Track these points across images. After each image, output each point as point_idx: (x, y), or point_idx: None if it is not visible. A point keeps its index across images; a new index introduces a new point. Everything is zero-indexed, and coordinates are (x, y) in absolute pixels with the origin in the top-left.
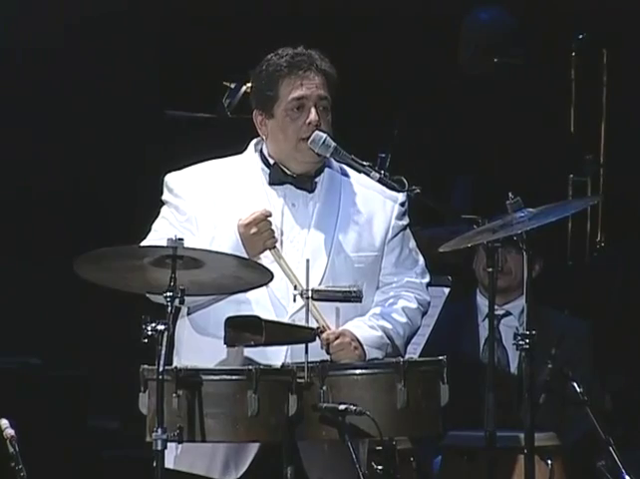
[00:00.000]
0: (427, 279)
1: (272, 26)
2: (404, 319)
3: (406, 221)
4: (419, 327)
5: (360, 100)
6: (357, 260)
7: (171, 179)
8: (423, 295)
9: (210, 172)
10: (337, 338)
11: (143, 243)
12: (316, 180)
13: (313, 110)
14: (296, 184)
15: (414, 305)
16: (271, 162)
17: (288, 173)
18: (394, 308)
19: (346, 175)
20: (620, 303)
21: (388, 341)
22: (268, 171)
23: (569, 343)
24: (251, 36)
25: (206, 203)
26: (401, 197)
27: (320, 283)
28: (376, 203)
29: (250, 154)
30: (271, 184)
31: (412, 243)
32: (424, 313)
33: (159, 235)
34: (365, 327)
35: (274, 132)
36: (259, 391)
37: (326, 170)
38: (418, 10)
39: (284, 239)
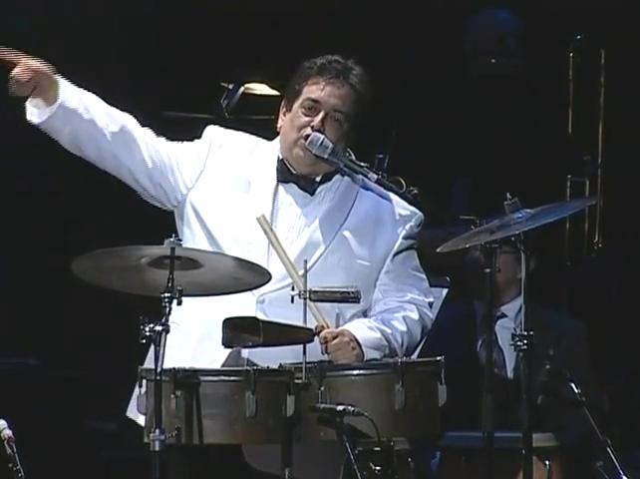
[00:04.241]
0: (430, 300)
1: (272, 27)
2: (403, 328)
3: (413, 242)
4: (419, 342)
5: None
6: (349, 265)
7: (213, 133)
8: (425, 311)
9: (245, 148)
10: (335, 338)
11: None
12: (322, 186)
13: (321, 115)
14: (299, 184)
15: (415, 316)
16: (280, 157)
17: (293, 172)
18: (394, 316)
19: (368, 189)
20: (618, 304)
21: (386, 343)
22: (277, 166)
23: (567, 344)
24: (250, 37)
25: (220, 174)
26: (415, 219)
27: (306, 272)
28: (388, 218)
29: (276, 144)
30: (279, 180)
31: (415, 264)
32: (424, 328)
33: (160, 139)
34: (364, 328)
35: (286, 125)
36: (257, 392)
37: (346, 178)
38: (418, 10)
39: (279, 236)
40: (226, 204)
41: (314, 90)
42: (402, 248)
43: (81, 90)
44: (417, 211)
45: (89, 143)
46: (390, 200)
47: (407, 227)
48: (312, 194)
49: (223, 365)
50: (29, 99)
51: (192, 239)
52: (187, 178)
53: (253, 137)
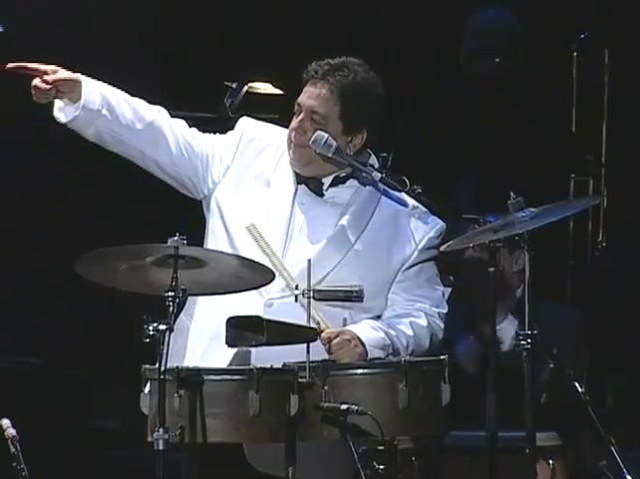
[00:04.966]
0: (442, 310)
1: (276, 26)
2: (410, 332)
3: (431, 253)
4: (427, 349)
5: None
6: (363, 275)
7: (245, 126)
8: (435, 320)
9: (273, 144)
10: (337, 337)
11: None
12: (333, 189)
13: (300, 116)
14: (308, 185)
15: (423, 323)
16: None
17: (298, 173)
18: (401, 321)
19: (388, 196)
20: (621, 303)
21: (389, 343)
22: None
23: (561, 331)
24: (252, 36)
25: (245, 171)
26: (435, 230)
27: (319, 283)
28: (407, 229)
29: None
30: (296, 181)
31: (430, 275)
32: (433, 335)
33: (192, 130)
34: (367, 328)
35: None
36: (261, 391)
37: (368, 187)
38: (419, 10)
39: (290, 237)
40: (247, 204)
41: (301, 94)
42: (417, 261)
43: (106, 87)
44: (438, 221)
45: (113, 140)
46: (411, 209)
47: (425, 239)
48: (321, 195)
49: (229, 365)
50: (55, 99)
51: (213, 234)
52: (216, 172)
53: (285, 131)
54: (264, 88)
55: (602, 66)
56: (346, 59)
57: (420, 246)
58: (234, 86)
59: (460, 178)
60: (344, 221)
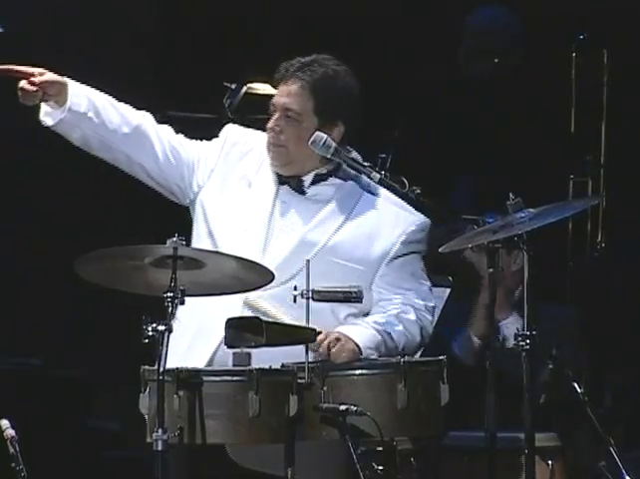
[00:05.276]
0: (429, 303)
1: (274, 26)
2: (400, 328)
3: (415, 247)
4: (418, 344)
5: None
6: (341, 268)
7: (229, 132)
8: (424, 314)
9: (257, 148)
10: (326, 338)
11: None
12: (315, 187)
13: (275, 116)
14: (290, 184)
15: (412, 317)
16: None
17: (280, 174)
18: (389, 316)
19: (374, 194)
20: (621, 303)
21: (380, 338)
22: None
23: (561, 331)
24: (251, 37)
25: (228, 174)
26: (418, 224)
27: (294, 277)
28: (389, 224)
29: None
30: (278, 181)
31: (415, 269)
32: (422, 329)
33: (178, 136)
34: (356, 327)
35: None
36: (260, 392)
37: (350, 183)
38: (419, 10)
39: (271, 235)
40: (229, 204)
41: (276, 94)
42: (400, 254)
43: (92, 91)
44: (421, 216)
45: (99, 144)
46: (395, 205)
47: (407, 231)
48: (303, 193)
49: (209, 361)
50: (42, 102)
51: (198, 235)
52: (201, 176)
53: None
54: (263, 88)
55: (601, 66)
56: (317, 56)
57: (402, 239)
58: (233, 86)
59: (459, 178)
60: (321, 216)
